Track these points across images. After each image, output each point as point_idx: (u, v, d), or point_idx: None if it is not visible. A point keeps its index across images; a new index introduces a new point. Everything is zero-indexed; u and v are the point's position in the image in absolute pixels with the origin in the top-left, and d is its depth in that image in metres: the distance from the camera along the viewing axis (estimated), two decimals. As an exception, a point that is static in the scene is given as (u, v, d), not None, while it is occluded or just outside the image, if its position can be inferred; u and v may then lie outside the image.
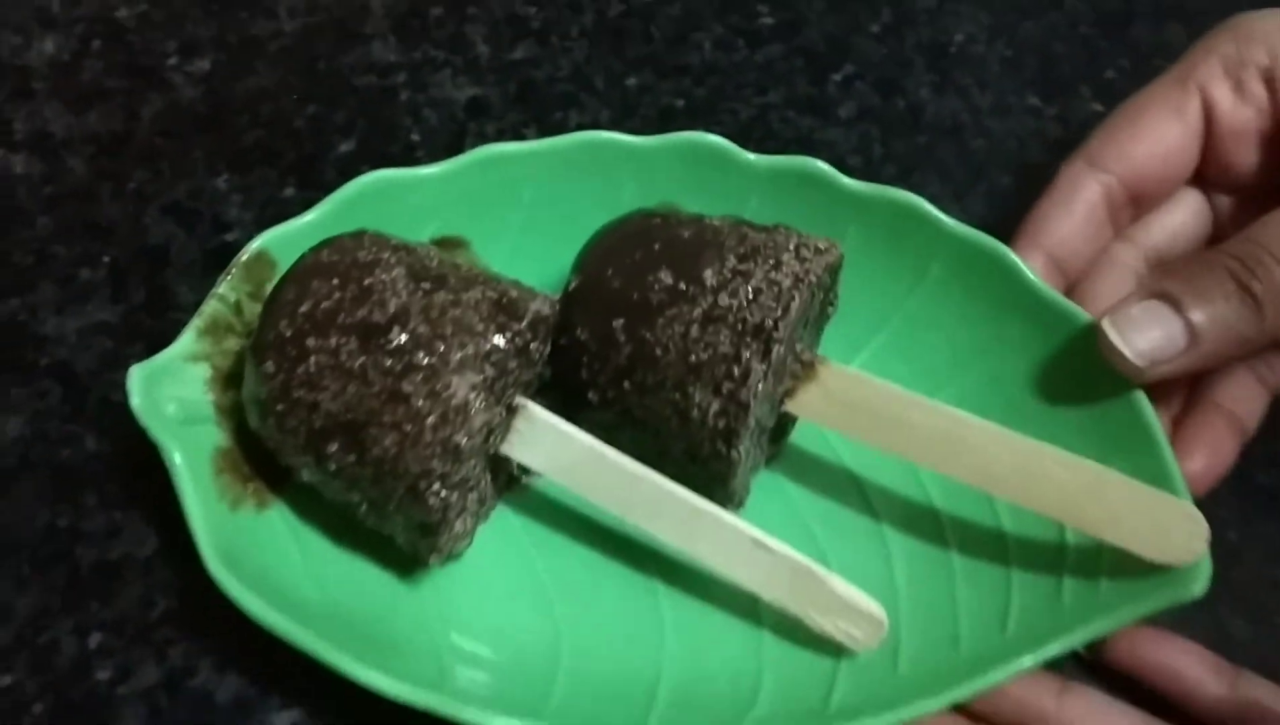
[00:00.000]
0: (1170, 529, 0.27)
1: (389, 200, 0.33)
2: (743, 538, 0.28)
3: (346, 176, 0.33)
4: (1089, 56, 0.44)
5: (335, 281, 0.28)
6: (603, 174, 0.34)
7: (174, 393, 0.29)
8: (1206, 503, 0.28)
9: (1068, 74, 0.44)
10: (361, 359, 0.27)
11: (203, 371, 0.30)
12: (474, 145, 0.34)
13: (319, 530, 0.30)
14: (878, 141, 0.41)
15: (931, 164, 0.41)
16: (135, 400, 0.28)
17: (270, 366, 0.28)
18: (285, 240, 0.31)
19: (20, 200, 0.38)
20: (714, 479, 0.29)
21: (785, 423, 0.32)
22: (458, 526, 0.29)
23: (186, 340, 0.30)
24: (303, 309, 0.28)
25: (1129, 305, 0.29)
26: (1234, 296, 0.28)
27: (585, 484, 0.29)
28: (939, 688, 0.27)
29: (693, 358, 0.28)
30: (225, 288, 0.31)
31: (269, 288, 0.30)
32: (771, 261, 0.28)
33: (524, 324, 0.28)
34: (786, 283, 0.28)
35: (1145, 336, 0.29)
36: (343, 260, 0.28)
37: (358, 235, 0.30)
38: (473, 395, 0.27)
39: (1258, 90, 0.32)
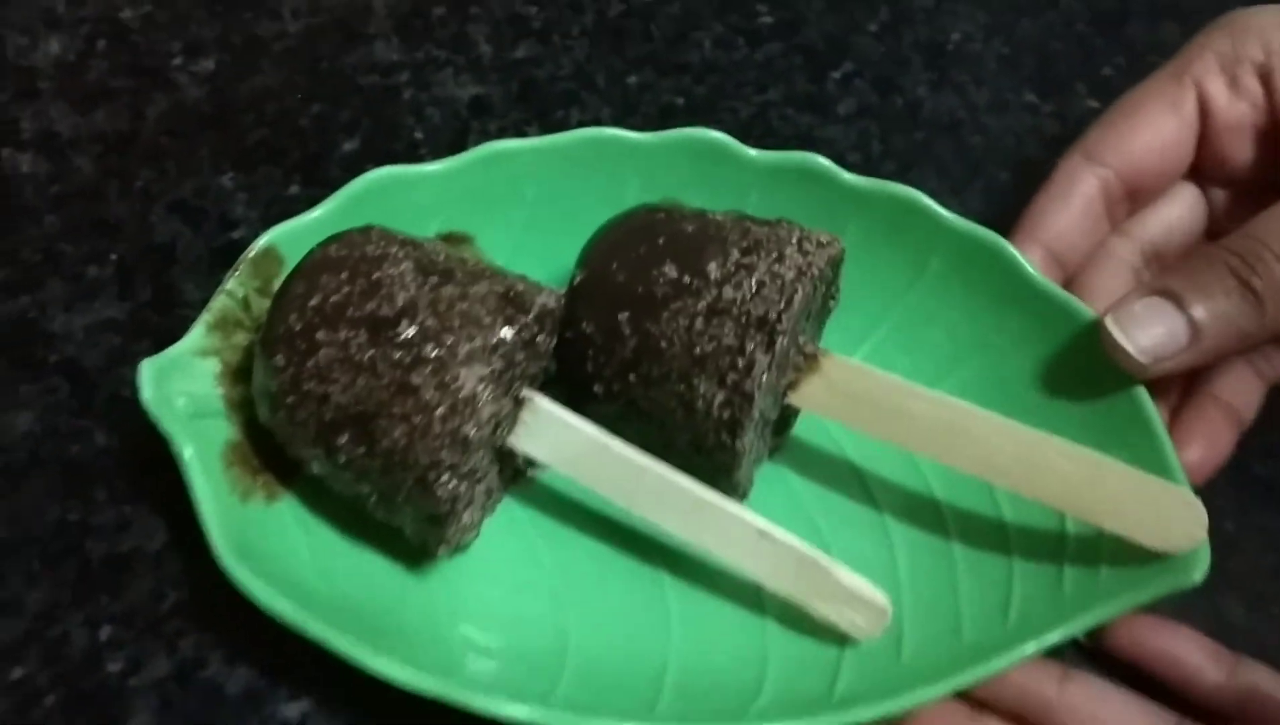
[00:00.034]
0: (1170, 516, 0.28)
1: (394, 197, 0.33)
2: (748, 528, 0.28)
3: (351, 175, 0.33)
4: (1085, 54, 0.45)
5: (344, 275, 0.28)
6: (605, 170, 0.34)
7: (184, 387, 0.29)
8: (1204, 493, 0.28)
9: (1064, 71, 0.44)
10: (371, 352, 0.27)
11: (212, 366, 0.30)
12: (477, 143, 0.34)
13: (328, 523, 0.30)
14: (876, 138, 0.42)
15: (930, 160, 0.41)
16: (146, 394, 0.28)
17: (280, 360, 0.28)
18: (292, 236, 0.32)
19: (28, 199, 0.39)
20: (718, 470, 0.29)
21: (789, 415, 0.32)
22: (465, 518, 0.29)
23: (196, 335, 0.30)
24: (312, 303, 0.28)
25: (1131, 302, 0.30)
26: (1235, 292, 0.29)
27: (591, 475, 0.29)
28: (942, 676, 0.27)
29: (697, 350, 0.28)
30: (233, 283, 0.31)
31: (276, 283, 0.30)
32: (774, 255, 0.29)
33: (531, 317, 0.28)
34: (789, 276, 0.28)
35: (1148, 333, 0.29)
36: (351, 255, 0.29)
37: (366, 230, 0.30)
38: (481, 387, 0.27)
39: (1252, 85, 0.33)
